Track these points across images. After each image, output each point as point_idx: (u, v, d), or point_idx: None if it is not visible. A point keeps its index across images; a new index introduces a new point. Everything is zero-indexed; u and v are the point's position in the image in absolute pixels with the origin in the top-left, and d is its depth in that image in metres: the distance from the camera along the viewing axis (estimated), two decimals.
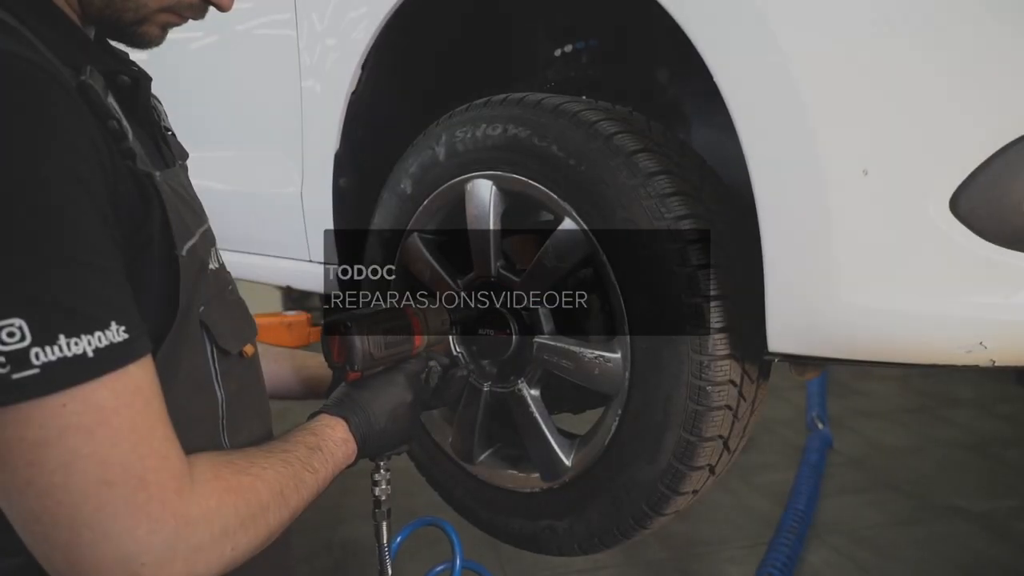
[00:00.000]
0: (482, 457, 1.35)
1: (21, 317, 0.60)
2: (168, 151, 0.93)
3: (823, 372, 2.74)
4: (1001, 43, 0.77)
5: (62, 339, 0.61)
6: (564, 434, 1.24)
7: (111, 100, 0.75)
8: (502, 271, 1.22)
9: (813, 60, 0.85)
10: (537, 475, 1.25)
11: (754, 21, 0.89)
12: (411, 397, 1.07)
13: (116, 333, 0.64)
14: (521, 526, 1.29)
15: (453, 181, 1.27)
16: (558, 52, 1.50)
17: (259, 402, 1.00)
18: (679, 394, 1.02)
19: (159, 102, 1.01)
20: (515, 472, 1.31)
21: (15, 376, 0.60)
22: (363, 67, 1.44)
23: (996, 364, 0.82)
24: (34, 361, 0.60)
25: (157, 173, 0.78)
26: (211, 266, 0.90)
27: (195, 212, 0.89)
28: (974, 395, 4.66)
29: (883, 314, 0.84)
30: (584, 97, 1.18)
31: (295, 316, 2.07)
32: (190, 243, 0.82)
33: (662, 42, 1.57)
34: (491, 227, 1.22)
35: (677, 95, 1.60)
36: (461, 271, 1.31)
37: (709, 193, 1.05)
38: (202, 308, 0.84)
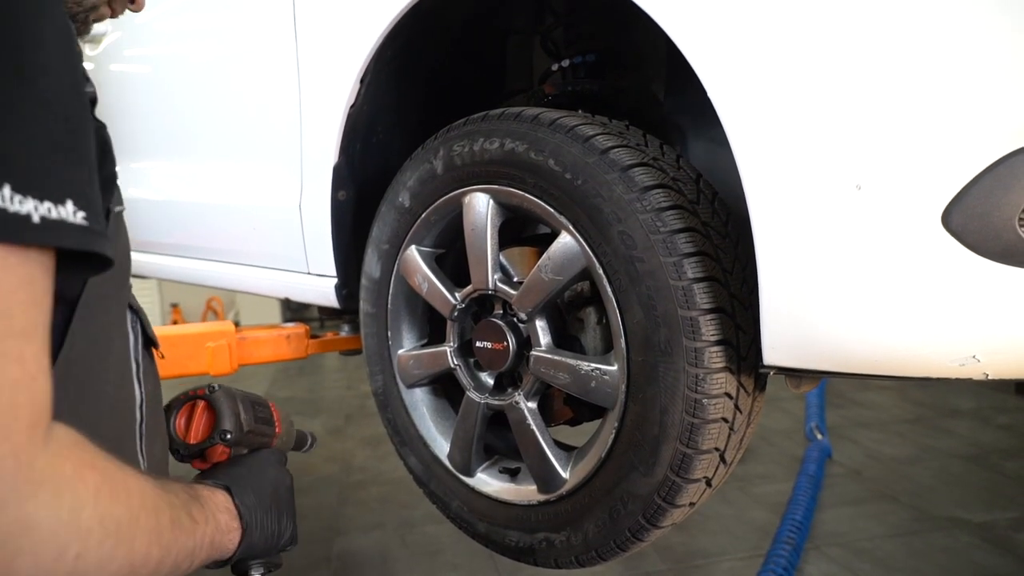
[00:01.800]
0: (479, 470, 1.35)
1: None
2: None
3: (821, 383, 2.74)
4: (992, 58, 0.78)
5: (6, 190, 0.50)
6: (561, 446, 1.25)
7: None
8: (500, 284, 1.23)
9: (806, 75, 0.86)
10: (534, 487, 1.25)
11: (747, 37, 0.90)
12: (289, 481, 0.94)
13: (71, 214, 0.54)
14: (518, 539, 1.29)
15: (451, 194, 1.28)
16: (555, 67, 1.51)
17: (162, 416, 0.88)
18: (675, 407, 1.03)
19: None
20: (512, 485, 1.31)
21: None
22: (362, 81, 1.45)
23: (989, 377, 0.83)
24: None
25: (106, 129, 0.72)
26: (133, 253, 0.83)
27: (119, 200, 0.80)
28: (973, 406, 4.65)
29: (876, 328, 0.85)
30: (581, 111, 1.19)
31: (293, 328, 2.08)
32: (119, 208, 0.76)
33: (658, 57, 1.59)
34: (488, 240, 1.22)
35: (673, 109, 1.62)
36: (459, 284, 1.31)
37: (705, 207, 1.06)
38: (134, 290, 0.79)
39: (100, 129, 0.69)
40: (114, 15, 0.89)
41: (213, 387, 0.92)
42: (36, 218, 0.51)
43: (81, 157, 0.58)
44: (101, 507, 0.54)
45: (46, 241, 0.53)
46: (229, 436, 0.90)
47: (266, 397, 1.06)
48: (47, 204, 0.53)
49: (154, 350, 0.87)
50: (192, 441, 0.91)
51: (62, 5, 0.60)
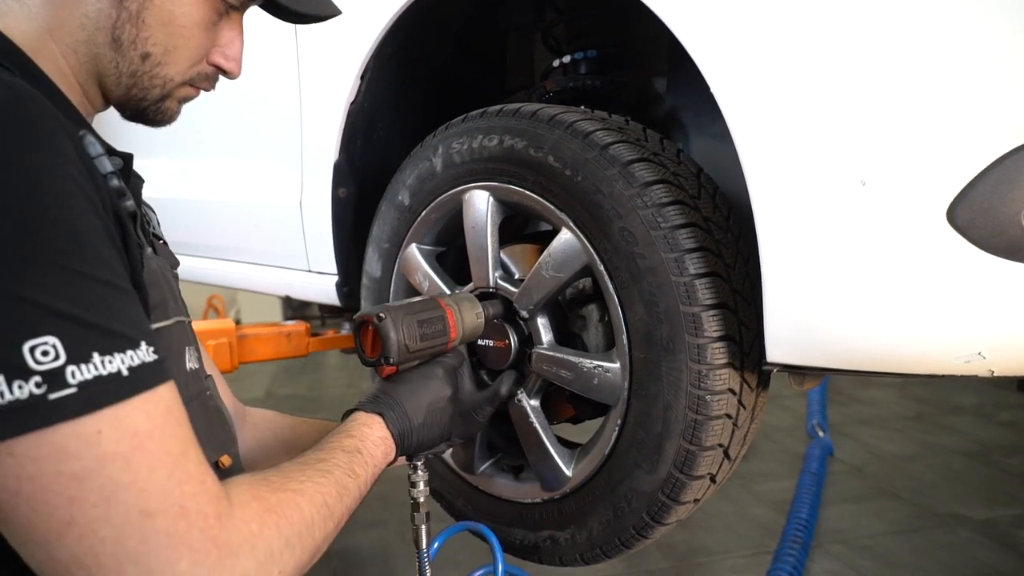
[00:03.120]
0: (483, 468, 1.35)
1: (54, 334, 0.57)
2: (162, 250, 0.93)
3: (823, 380, 2.74)
4: (997, 53, 0.78)
5: (96, 357, 0.58)
6: (564, 444, 1.24)
7: (108, 160, 0.73)
8: (500, 281, 1.22)
9: (810, 70, 0.85)
10: (538, 485, 1.25)
11: (750, 32, 0.89)
12: (450, 392, 1.05)
13: (147, 353, 0.62)
14: (523, 536, 1.29)
15: (451, 192, 1.27)
16: (556, 63, 1.51)
17: None
18: (678, 404, 1.02)
19: (152, 210, 1.00)
20: (516, 482, 1.31)
21: (52, 396, 0.56)
22: (362, 78, 1.45)
23: (995, 374, 0.82)
24: (70, 380, 0.57)
25: (148, 248, 0.78)
26: (189, 365, 0.86)
27: (176, 302, 0.87)
28: (975, 402, 4.65)
29: (881, 324, 0.84)
30: (582, 108, 1.19)
31: (294, 326, 2.08)
32: (163, 323, 0.79)
33: (659, 52, 1.58)
34: (488, 238, 1.22)
35: (675, 105, 1.61)
36: (460, 282, 1.31)
37: (706, 202, 1.05)
38: None
39: (131, 240, 0.71)
40: (208, 89, 0.91)
41: (381, 316, 0.98)
42: (125, 371, 0.60)
43: (128, 292, 0.65)
44: (284, 534, 0.70)
45: (139, 389, 0.61)
46: (391, 360, 0.99)
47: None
48: (129, 353, 0.61)
49: (222, 464, 0.90)
50: (370, 356, 1.01)
51: (60, 155, 0.64)
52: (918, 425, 4.29)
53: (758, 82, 0.89)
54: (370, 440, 0.93)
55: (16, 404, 0.56)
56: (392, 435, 0.96)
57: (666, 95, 1.62)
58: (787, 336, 0.92)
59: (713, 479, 1.10)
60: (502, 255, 1.27)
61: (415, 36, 1.43)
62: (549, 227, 1.19)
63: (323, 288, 1.69)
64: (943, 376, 0.85)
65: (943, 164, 0.79)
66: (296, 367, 6.10)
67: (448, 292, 1.29)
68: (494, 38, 1.68)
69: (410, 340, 0.99)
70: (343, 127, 1.50)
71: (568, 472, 1.19)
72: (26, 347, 0.56)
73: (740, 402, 1.05)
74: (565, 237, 1.11)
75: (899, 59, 0.81)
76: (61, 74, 0.80)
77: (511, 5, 1.61)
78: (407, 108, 1.58)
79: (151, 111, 0.86)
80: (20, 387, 0.56)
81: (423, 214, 1.33)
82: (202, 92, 0.91)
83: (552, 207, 1.12)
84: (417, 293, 1.37)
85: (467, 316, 1.09)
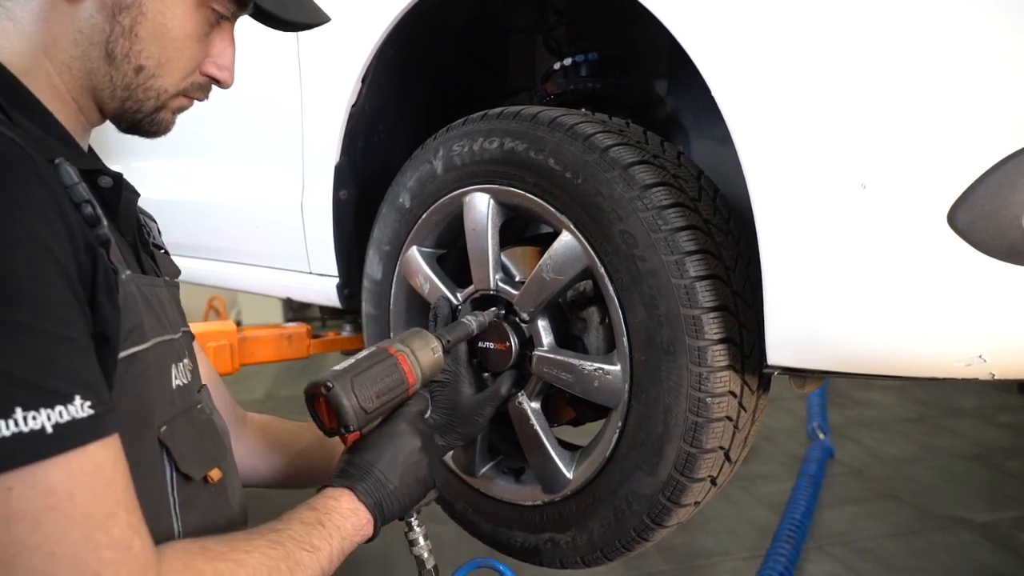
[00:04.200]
0: (483, 470, 1.35)
1: (17, 391, 0.56)
2: (152, 264, 0.91)
3: (824, 382, 2.74)
4: (998, 56, 0.78)
5: (19, 413, 0.56)
6: (565, 446, 1.24)
7: (83, 188, 0.72)
8: (501, 284, 1.22)
9: (810, 73, 0.86)
10: (539, 488, 1.24)
11: (751, 34, 0.90)
12: (419, 441, 1.00)
13: (80, 408, 0.59)
14: (523, 539, 1.29)
15: (451, 195, 1.27)
16: (557, 65, 1.51)
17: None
18: (679, 406, 1.02)
19: (153, 220, 0.99)
20: (517, 485, 1.30)
21: (44, 436, 0.56)
22: (363, 80, 1.45)
23: (996, 377, 0.82)
24: (50, 420, 0.57)
25: (126, 272, 0.76)
26: (175, 383, 0.84)
27: (160, 321, 0.84)
28: (975, 405, 4.65)
29: (881, 327, 0.84)
30: (583, 110, 1.19)
31: (295, 328, 2.07)
32: (139, 347, 0.77)
33: (660, 55, 1.58)
34: (489, 240, 1.22)
35: (676, 107, 1.61)
36: (460, 284, 1.31)
37: (706, 204, 1.05)
38: (163, 428, 0.79)
39: (104, 267, 0.70)
40: (201, 99, 0.92)
41: (329, 384, 0.93)
42: (49, 428, 0.57)
43: (74, 341, 0.62)
44: None
45: (64, 447, 0.58)
46: (351, 427, 0.94)
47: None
48: (58, 408, 0.58)
49: (211, 478, 0.87)
50: (328, 427, 0.96)
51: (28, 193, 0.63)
52: (919, 427, 4.29)
53: (758, 84, 0.89)
54: (336, 512, 0.87)
55: None
56: (366, 506, 0.91)
57: (667, 97, 1.63)
58: (788, 339, 0.92)
59: (714, 481, 1.10)
60: (503, 257, 1.27)
61: (416, 39, 1.43)
62: (550, 229, 1.19)
63: (324, 290, 1.69)
64: (944, 379, 0.85)
65: (944, 167, 0.79)
66: (297, 369, 6.09)
67: (450, 295, 1.29)
68: (495, 40, 1.69)
69: (365, 401, 0.94)
70: (344, 129, 1.51)
71: (569, 474, 1.19)
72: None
73: (741, 404, 1.05)
74: (566, 239, 1.11)
75: (900, 61, 0.81)
76: (55, 91, 0.80)
77: (512, 7, 1.61)
78: (408, 110, 1.58)
79: (146, 123, 0.87)
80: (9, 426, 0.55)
81: (424, 216, 1.33)
82: (195, 101, 0.91)
83: (553, 209, 1.12)
84: (418, 296, 1.37)
85: (422, 356, 1.02)
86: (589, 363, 1.12)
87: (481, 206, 1.22)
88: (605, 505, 1.14)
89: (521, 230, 1.43)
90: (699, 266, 0.99)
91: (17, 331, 0.58)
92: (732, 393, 1.03)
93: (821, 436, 3.96)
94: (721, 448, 1.06)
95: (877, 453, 3.92)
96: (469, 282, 1.27)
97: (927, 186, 0.80)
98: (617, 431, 1.11)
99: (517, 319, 1.21)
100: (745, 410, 1.07)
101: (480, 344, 1.24)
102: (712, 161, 1.38)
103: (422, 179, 1.32)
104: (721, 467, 1.09)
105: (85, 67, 0.80)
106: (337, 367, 0.96)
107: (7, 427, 0.56)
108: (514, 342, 1.20)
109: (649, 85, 1.63)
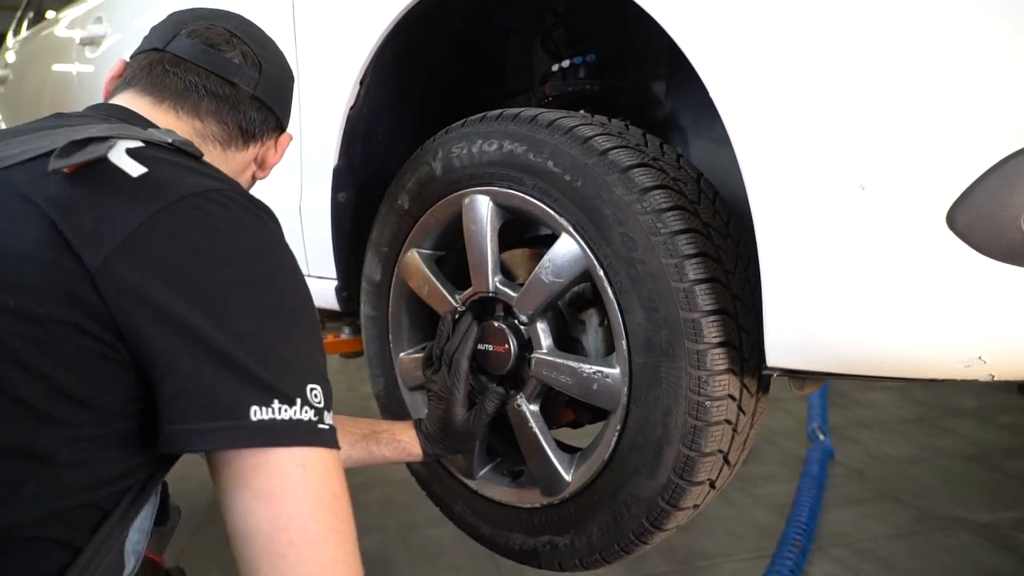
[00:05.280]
0: (482, 472, 1.35)
1: (320, 385, 0.79)
2: None
3: (824, 384, 2.74)
4: (997, 55, 0.78)
5: (331, 412, 0.80)
6: (564, 449, 1.24)
7: None
8: (500, 286, 1.22)
9: (808, 74, 0.85)
10: (537, 490, 1.24)
11: (749, 35, 0.89)
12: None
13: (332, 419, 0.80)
14: (522, 541, 1.29)
15: (450, 197, 1.27)
16: (556, 67, 1.51)
17: None
18: (678, 409, 1.02)
19: None
20: (516, 487, 1.30)
21: (320, 426, 0.76)
22: (361, 82, 1.45)
23: (995, 378, 0.82)
24: (326, 420, 0.77)
25: None
26: None
27: None
28: (976, 405, 4.65)
29: (881, 329, 0.84)
30: (581, 112, 1.18)
31: None
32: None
33: (658, 56, 1.58)
34: (488, 242, 1.22)
35: (674, 109, 1.61)
36: (459, 286, 1.31)
37: (706, 207, 1.05)
38: None
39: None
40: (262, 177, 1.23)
41: None
42: (327, 427, 0.79)
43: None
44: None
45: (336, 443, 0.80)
46: None
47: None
48: (332, 414, 0.81)
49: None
50: None
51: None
52: (919, 428, 4.28)
53: (757, 86, 0.89)
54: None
55: (300, 423, 0.75)
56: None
57: (665, 99, 1.63)
58: (787, 341, 0.92)
59: (713, 485, 1.10)
60: (502, 259, 1.27)
61: (414, 41, 1.43)
62: (549, 232, 1.19)
63: (322, 292, 1.68)
64: (944, 380, 0.85)
65: (943, 168, 0.79)
66: None
67: (449, 297, 1.29)
68: (493, 42, 1.68)
69: None
70: (342, 132, 1.50)
71: (568, 477, 1.19)
72: (308, 387, 0.77)
73: (740, 407, 1.05)
74: (565, 242, 1.11)
75: (898, 62, 0.81)
76: None
77: (510, 9, 1.61)
78: (406, 113, 1.58)
79: None
80: (306, 412, 0.75)
81: (423, 218, 1.33)
82: None
83: (552, 212, 1.12)
84: (417, 297, 1.37)
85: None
86: (588, 366, 1.12)
87: (480, 208, 1.22)
88: (604, 508, 1.14)
89: (520, 232, 1.43)
90: (698, 269, 0.99)
91: (319, 348, 0.82)
92: (731, 396, 1.02)
93: (821, 437, 3.95)
94: (720, 451, 1.06)
95: (877, 454, 3.92)
96: (468, 284, 1.27)
97: (926, 187, 0.80)
98: (616, 434, 1.10)
99: (516, 321, 1.21)
100: (744, 413, 1.06)
101: (479, 347, 1.24)
102: (710, 163, 1.38)
103: (421, 181, 1.32)
104: (720, 470, 1.09)
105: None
106: None
107: (330, 418, 0.79)
108: (513, 345, 1.21)
109: (647, 87, 1.63)
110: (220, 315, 0.74)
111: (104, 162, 0.76)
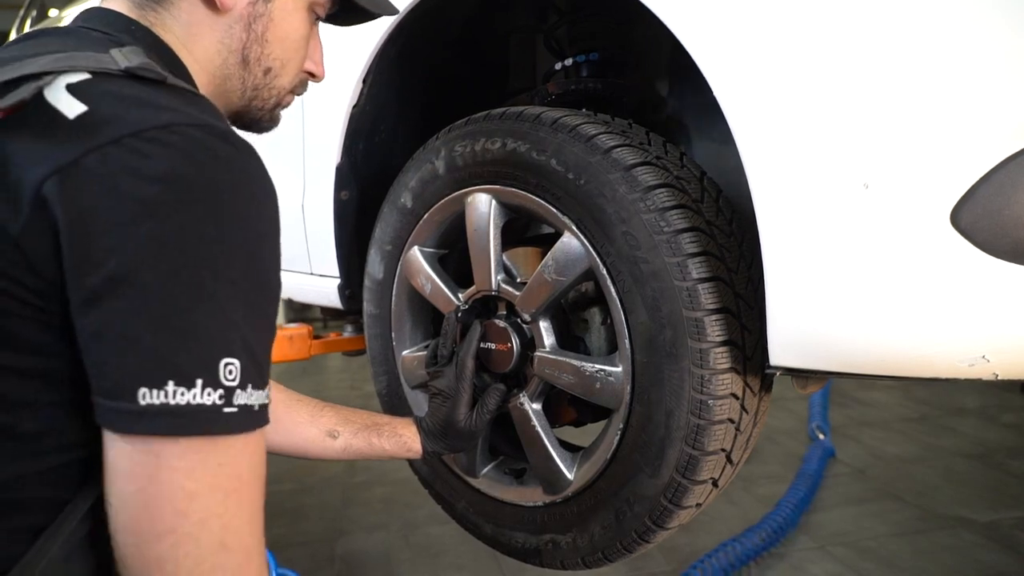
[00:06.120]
0: (485, 471, 1.35)
1: (239, 359, 0.67)
2: None
3: (826, 383, 2.74)
4: (1002, 55, 0.78)
5: (249, 388, 0.68)
6: (567, 447, 1.24)
7: None
8: (503, 284, 1.22)
9: (812, 73, 0.85)
10: (540, 489, 1.24)
11: (753, 34, 0.89)
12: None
13: (266, 396, 0.70)
14: (524, 540, 1.29)
15: (453, 195, 1.27)
16: (558, 65, 1.51)
17: None
18: (681, 408, 1.02)
19: None
20: (518, 486, 1.30)
21: (226, 410, 0.66)
22: (364, 81, 1.45)
23: (999, 377, 0.82)
24: (235, 401, 0.66)
25: None
26: None
27: None
28: (978, 404, 4.65)
29: (884, 328, 0.84)
30: (585, 110, 1.18)
31: (296, 329, 2.07)
32: None
33: (661, 55, 1.58)
34: (491, 241, 1.22)
35: (677, 107, 1.61)
36: (462, 285, 1.31)
37: (709, 206, 1.05)
38: None
39: None
40: (301, 94, 1.03)
41: None
42: (256, 406, 0.69)
43: (275, 330, 0.76)
44: None
45: (260, 423, 0.70)
46: None
47: None
48: (261, 392, 0.69)
49: None
50: None
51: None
52: (921, 427, 4.28)
53: (760, 85, 0.89)
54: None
55: (198, 409, 0.64)
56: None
57: (668, 98, 1.62)
58: (790, 340, 0.92)
59: (715, 483, 1.09)
60: (504, 258, 1.26)
61: (417, 39, 1.43)
62: (552, 230, 1.19)
63: (325, 291, 1.69)
64: (947, 379, 0.85)
65: (947, 167, 0.79)
66: (298, 370, 6.10)
67: (451, 295, 1.29)
68: (496, 41, 1.68)
69: None
70: (345, 130, 1.50)
71: (570, 475, 1.19)
72: (222, 362, 0.66)
73: (743, 406, 1.05)
74: (567, 240, 1.11)
75: (902, 61, 0.80)
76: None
77: (513, 8, 1.60)
78: (409, 111, 1.58)
79: (265, 120, 0.99)
80: (208, 395, 0.65)
81: (426, 216, 1.33)
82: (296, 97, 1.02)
83: (555, 210, 1.12)
84: (420, 296, 1.37)
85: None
86: (591, 364, 1.12)
87: (483, 206, 1.22)
88: (606, 506, 1.14)
89: (523, 231, 1.43)
90: (702, 268, 0.99)
91: (264, 321, 0.71)
92: (734, 395, 1.02)
93: (821, 436, 3.95)
94: (723, 450, 1.06)
95: (879, 453, 3.92)
96: (471, 282, 1.27)
97: (930, 186, 0.80)
98: (619, 433, 1.10)
99: (519, 320, 1.21)
100: (747, 412, 1.06)
101: (482, 345, 1.24)
102: (713, 161, 1.38)
103: (424, 179, 1.32)
104: (723, 469, 1.09)
105: (223, 73, 0.90)
106: None
107: (244, 398, 0.67)
108: (515, 343, 1.20)
109: (650, 85, 1.63)
110: (124, 278, 0.64)
111: (39, 102, 0.68)
